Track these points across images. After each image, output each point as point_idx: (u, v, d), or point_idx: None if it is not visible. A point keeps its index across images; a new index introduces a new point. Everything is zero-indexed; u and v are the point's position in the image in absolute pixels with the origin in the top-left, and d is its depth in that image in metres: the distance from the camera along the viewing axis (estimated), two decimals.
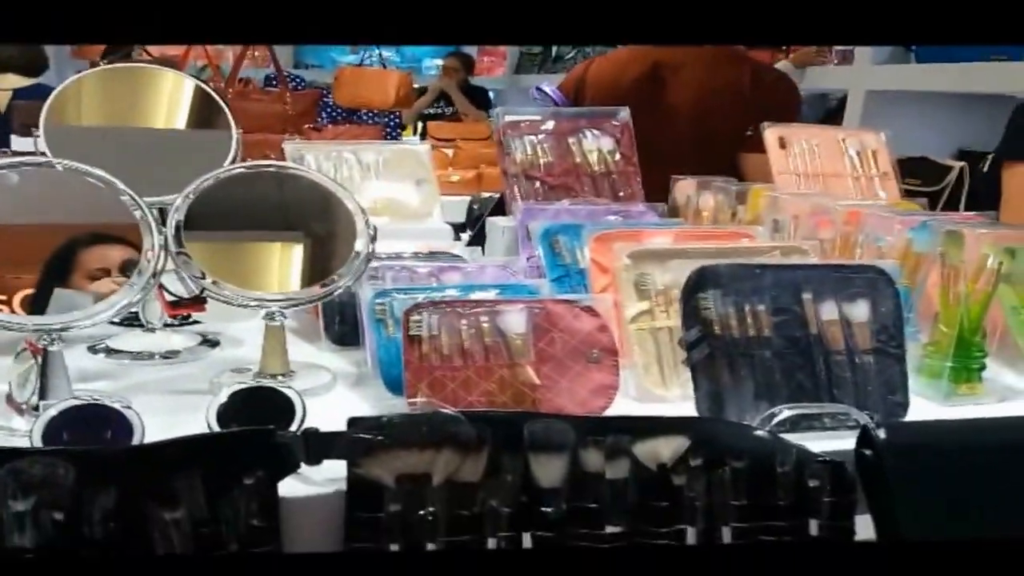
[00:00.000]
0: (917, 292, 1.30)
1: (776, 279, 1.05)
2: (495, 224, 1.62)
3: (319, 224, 1.04)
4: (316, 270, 1.03)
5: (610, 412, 1.03)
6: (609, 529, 0.84)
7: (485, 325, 1.02)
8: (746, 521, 0.87)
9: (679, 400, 1.06)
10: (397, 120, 5.73)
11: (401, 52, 7.07)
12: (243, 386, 0.84)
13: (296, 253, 1.04)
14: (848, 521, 0.91)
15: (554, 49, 6.41)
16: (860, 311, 1.07)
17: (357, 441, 0.78)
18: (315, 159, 1.44)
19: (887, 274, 1.10)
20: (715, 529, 0.86)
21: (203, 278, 0.98)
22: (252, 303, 1.00)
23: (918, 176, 2.86)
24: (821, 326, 1.05)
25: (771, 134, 1.82)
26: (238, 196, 1.01)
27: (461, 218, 2.33)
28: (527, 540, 0.82)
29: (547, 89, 2.46)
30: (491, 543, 0.80)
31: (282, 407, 0.83)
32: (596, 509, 0.84)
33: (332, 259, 1.03)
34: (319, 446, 0.79)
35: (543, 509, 0.82)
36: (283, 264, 1.05)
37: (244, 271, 1.02)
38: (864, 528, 0.94)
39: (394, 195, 1.48)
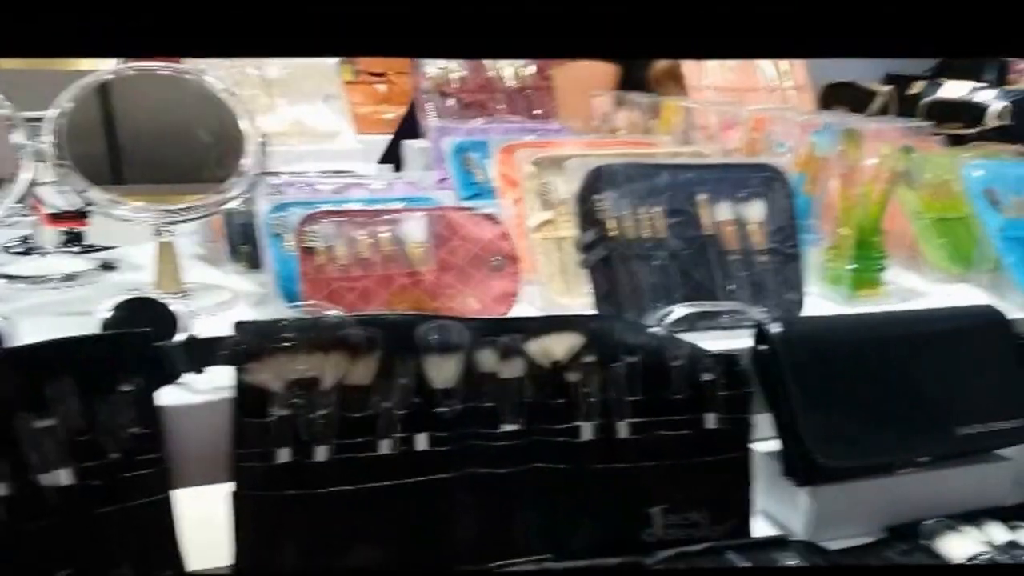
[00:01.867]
0: (820, 198, 1.31)
1: (672, 180, 1.05)
2: (410, 147, 1.60)
3: (207, 137, 1.02)
4: (202, 185, 1.01)
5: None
6: (505, 427, 0.85)
7: (384, 235, 1.01)
8: (642, 416, 0.88)
9: (582, 308, 1.06)
10: None
11: None
12: (126, 297, 0.82)
13: (181, 166, 1.01)
14: (745, 413, 0.93)
15: None
16: (755, 211, 1.08)
17: (242, 345, 0.77)
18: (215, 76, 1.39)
19: (782, 172, 1.10)
20: (610, 425, 0.87)
21: (84, 191, 0.95)
22: (132, 215, 0.97)
23: (844, 102, 2.87)
24: (716, 226, 1.06)
25: None
26: (125, 106, 0.98)
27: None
28: (422, 441, 0.82)
29: None
30: (384, 445, 0.80)
31: (167, 319, 0.82)
32: (490, 408, 0.84)
33: (219, 174, 1.01)
34: (202, 353, 0.78)
35: (437, 409, 0.83)
36: (167, 178, 1.02)
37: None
38: (763, 427, 0.96)
39: (302, 117, 1.45)
